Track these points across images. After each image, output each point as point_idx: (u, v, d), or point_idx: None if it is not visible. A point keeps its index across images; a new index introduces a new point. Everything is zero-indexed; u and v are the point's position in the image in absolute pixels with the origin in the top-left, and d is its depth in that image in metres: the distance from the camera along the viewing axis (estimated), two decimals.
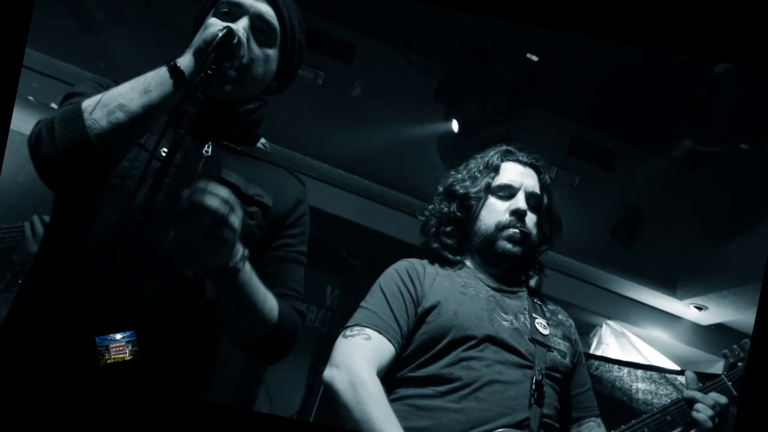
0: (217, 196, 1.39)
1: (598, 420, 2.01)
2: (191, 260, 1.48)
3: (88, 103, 1.49)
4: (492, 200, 2.06)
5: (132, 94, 1.49)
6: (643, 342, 5.85)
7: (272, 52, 1.77)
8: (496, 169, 2.10)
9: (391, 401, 1.78)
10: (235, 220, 1.43)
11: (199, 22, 1.74)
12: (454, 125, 4.92)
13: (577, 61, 4.42)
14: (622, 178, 5.29)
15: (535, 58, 4.56)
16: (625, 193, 5.31)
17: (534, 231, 2.05)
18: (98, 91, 1.64)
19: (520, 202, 2.04)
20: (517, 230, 2.00)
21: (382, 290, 1.95)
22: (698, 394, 1.83)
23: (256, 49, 1.72)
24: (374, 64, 5.04)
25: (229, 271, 1.49)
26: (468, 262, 2.08)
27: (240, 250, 1.50)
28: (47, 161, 1.50)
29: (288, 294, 1.79)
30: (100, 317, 1.39)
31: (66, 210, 1.67)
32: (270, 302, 1.65)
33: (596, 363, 4.14)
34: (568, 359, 1.96)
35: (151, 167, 1.44)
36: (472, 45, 4.77)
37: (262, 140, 1.90)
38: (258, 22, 1.72)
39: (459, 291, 1.94)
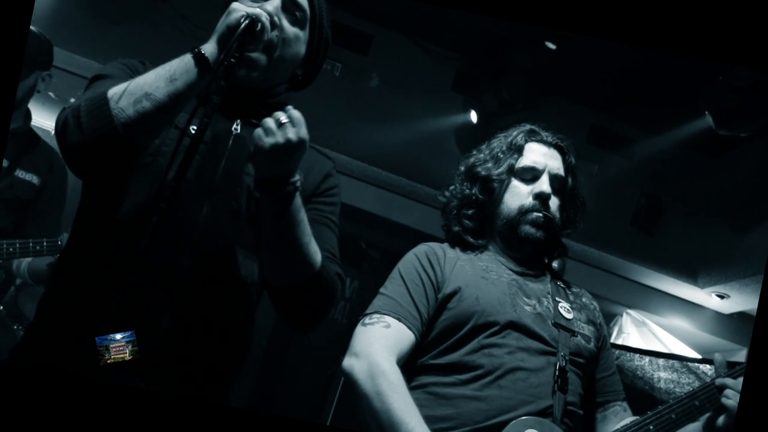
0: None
1: (624, 404, 1.99)
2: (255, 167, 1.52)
3: (114, 92, 1.49)
4: (515, 183, 2.02)
5: (158, 82, 1.49)
6: (664, 331, 5.81)
7: (302, 34, 1.77)
8: (519, 150, 2.05)
9: (412, 389, 1.78)
10: (304, 139, 1.48)
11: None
12: (473, 116, 4.89)
13: (596, 49, 4.38)
14: (641, 165, 5.25)
15: (553, 47, 4.52)
16: (644, 181, 5.27)
17: (557, 215, 2.01)
18: (126, 74, 1.65)
19: (543, 185, 1.99)
20: (540, 214, 1.96)
21: (401, 276, 1.93)
22: (729, 380, 1.78)
23: (288, 28, 1.72)
24: (391, 55, 5.03)
25: (286, 185, 1.51)
26: (490, 246, 2.04)
27: (297, 175, 1.52)
28: (74, 150, 1.51)
29: (324, 256, 1.72)
30: (132, 300, 1.38)
31: (95, 192, 1.68)
32: (315, 245, 1.62)
33: (617, 352, 4.11)
34: (592, 344, 1.93)
35: (181, 145, 1.45)
36: (489, 34, 4.75)
37: None
38: (289, 4, 1.73)
39: (480, 275, 1.92)
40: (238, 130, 1.72)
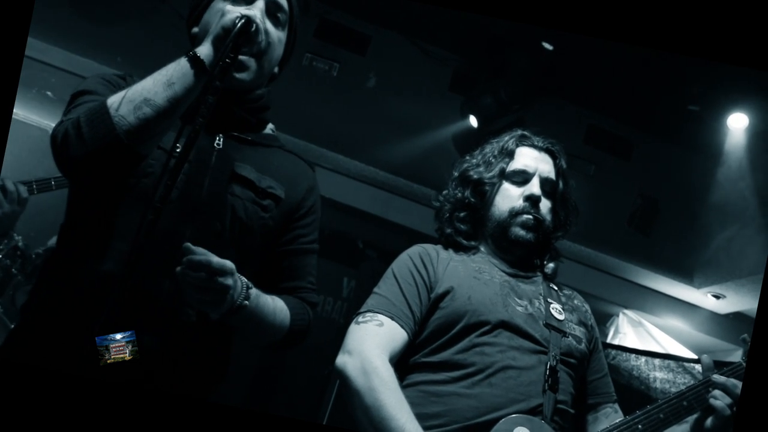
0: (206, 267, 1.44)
1: (615, 406, 2.00)
2: (192, 306, 1.53)
3: (113, 100, 1.50)
4: (506, 186, 2.04)
5: (156, 87, 1.50)
6: (661, 331, 5.83)
7: (283, 36, 1.81)
8: (510, 155, 2.07)
9: (404, 387, 1.79)
10: (227, 286, 1.48)
11: (200, 12, 1.77)
12: (473, 120, 4.89)
13: (593, 50, 4.40)
14: (638, 166, 5.27)
15: (550, 47, 4.54)
16: (641, 181, 5.29)
17: (548, 217, 2.03)
18: (107, 88, 1.66)
19: (534, 187, 2.02)
20: (530, 216, 1.98)
21: (395, 276, 1.94)
22: (717, 381, 1.80)
23: (273, 33, 1.75)
24: (389, 56, 5.04)
25: (233, 311, 1.54)
26: (482, 248, 2.06)
27: (239, 288, 1.54)
28: (78, 162, 1.51)
29: (304, 287, 1.86)
30: (118, 315, 1.40)
31: (84, 210, 1.68)
32: (280, 314, 1.72)
33: (613, 352, 4.13)
34: (583, 345, 1.95)
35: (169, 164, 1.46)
36: (486, 35, 4.76)
37: (270, 125, 1.93)
38: (272, 6, 1.75)
39: (473, 276, 1.93)
40: (221, 145, 1.73)
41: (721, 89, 4.18)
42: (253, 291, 1.59)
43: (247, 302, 1.56)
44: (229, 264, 1.47)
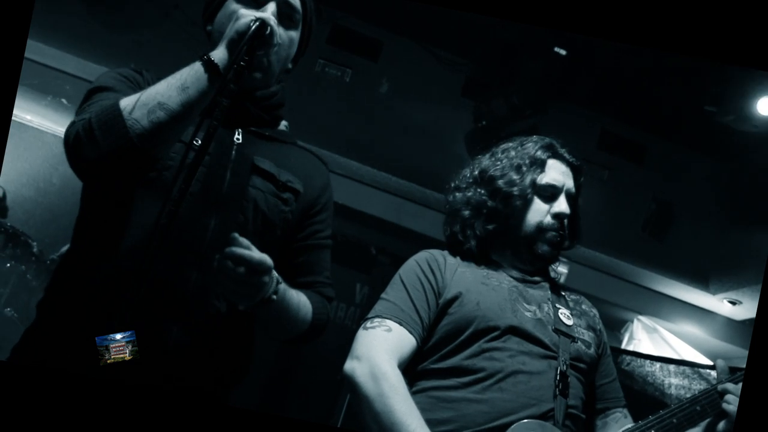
0: (247, 262, 1.45)
1: (625, 411, 1.99)
2: (225, 297, 1.54)
3: (126, 103, 1.50)
4: (536, 200, 2.00)
5: (170, 91, 1.50)
6: (676, 337, 5.79)
7: (295, 36, 1.81)
8: (542, 165, 2.03)
9: (414, 393, 1.79)
10: (264, 283, 1.51)
11: (213, 9, 1.79)
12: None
13: (606, 55, 4.39)
14: (652, 171, 5.24)
15: (563, 52, 4.53)
16: (655, 186, 5.26)
17: (568, 233, 2.04)
18: (127, 86, 1.67)
19: (563, 205, 1.99)
20: (557, 234, 1.98)
21: (402, 282, 1.94)
22: (730, 385, 1.79)
23: (284, 34, 1.75)
24: (401, 61, 5.05)
25: (261, 304, 1.55)
26: (493, 257, 2.04)
27: (272, 280, 1.55)
28: (91, 164, 1.51)
29: (320, 282, 1.87)
30: (143, 308, 1.40)
31: (100, 204, 1.69)
32: (304, 308, 1.74)
33: (628, 358, 4.12)
34: (592, 349, 1.94)
35: (187, 158, 1.46)
36: (499, 40, 4.76)
37: (284, 122, 1.94)
38: (285, 7, 1.75)
39: (481, 282, 1.92)
40: (240, 140, 1.74)
41: (738, 90, 4.16)
42: (282, 285, 1.60)
43: (275, 297, 1.57)
44: (268, 260, 1.48)
